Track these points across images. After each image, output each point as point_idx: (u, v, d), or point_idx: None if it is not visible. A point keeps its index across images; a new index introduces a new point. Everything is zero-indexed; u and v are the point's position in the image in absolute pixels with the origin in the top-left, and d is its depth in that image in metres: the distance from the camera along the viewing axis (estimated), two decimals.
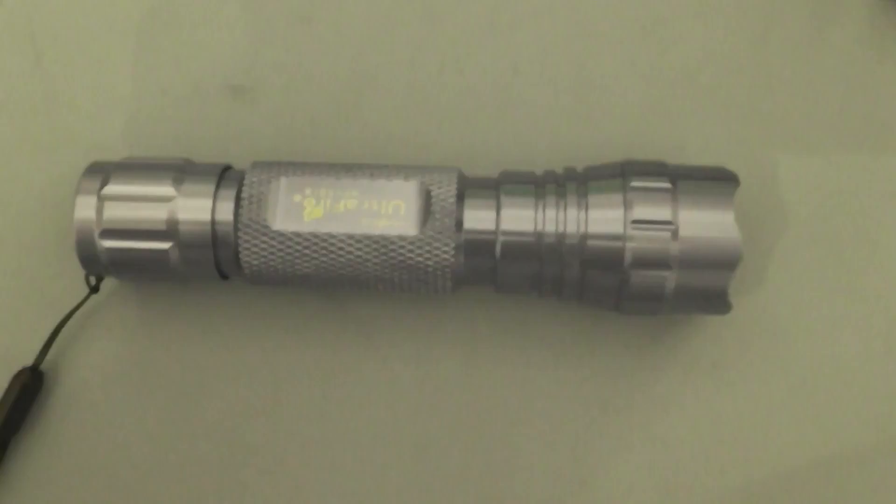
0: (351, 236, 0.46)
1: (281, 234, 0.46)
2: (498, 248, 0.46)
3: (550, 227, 0.46)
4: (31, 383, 0.52)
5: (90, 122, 0.54)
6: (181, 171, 0.48)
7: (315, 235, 0.46)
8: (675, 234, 0.45)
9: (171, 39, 0.54)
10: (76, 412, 0.52)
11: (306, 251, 0.46)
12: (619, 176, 0.46)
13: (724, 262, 0.45)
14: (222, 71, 0.54)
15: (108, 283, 0.52)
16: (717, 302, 0.46)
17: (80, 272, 0.51)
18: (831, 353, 0.51)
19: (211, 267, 0.48)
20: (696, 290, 0.46)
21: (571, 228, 0.46)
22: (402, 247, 0.46)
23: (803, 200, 0.51)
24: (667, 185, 0.46)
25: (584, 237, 0.45)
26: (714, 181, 0.46)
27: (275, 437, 0.52)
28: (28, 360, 0.52)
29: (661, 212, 0.45)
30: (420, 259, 0.46)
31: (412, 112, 0.53)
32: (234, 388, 0.52)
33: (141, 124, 0.54)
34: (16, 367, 0.52)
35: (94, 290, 0.51)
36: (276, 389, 0.52)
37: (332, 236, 0.46)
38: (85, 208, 0.47)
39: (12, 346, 0.52)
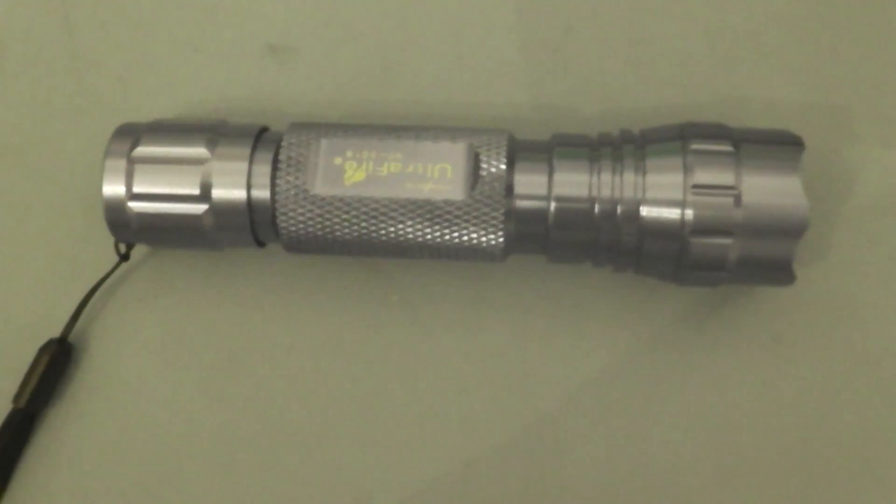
0: (395, 201, 0.43)
1: (321, 198, 0.44)
2: (550, 215, 0.44)
3: (606, 193, 0.43)
4: (59, 355, 0.49)
5: (119, 82, 0.52)
6: (215, 133, 0.45)
7: (357, 200, 0.44)
8: (737, 199, 0.42)
9: None
10: (105, 385, 0.50)
11: (347, 216, 0.44)
12: (679, 139, 0.44)
13: (789, 230, 0.42)
14: (259, 28, 0.51)
15: (139, 252, 0.51)
16: (780, 272, 0.44)
17: (109, 240, 0.48)
18: None
19: (247, 233, 0.45)
20: (760, 259, 0.43)
21: (628, 193, 0.43)
22: (448, 212, 0.43)
23: (870, 166, 0.48)
24: (729, 148, 0.43)
25: (642, 203, 0.43)
26: (779, 145, 0.44)
27: (313, 412, 0.49)
28: (56, 332, 0.50)
29: (724, 176, 0.42)
30: (468, 225, 0.43)
31: (459, 73, 0.50)
32: (270, 361, 0.50)
33: (172, 84, 0.52)
34: (43, 339, 0.50)
35: (124, 258, 0.49)
36: (314, 362, 0.50)
37: (375, 201, 0.44)
38: (114, 172, 0.45)
39: (40, 316, 0.50)
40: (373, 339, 0.50)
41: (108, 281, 0.50)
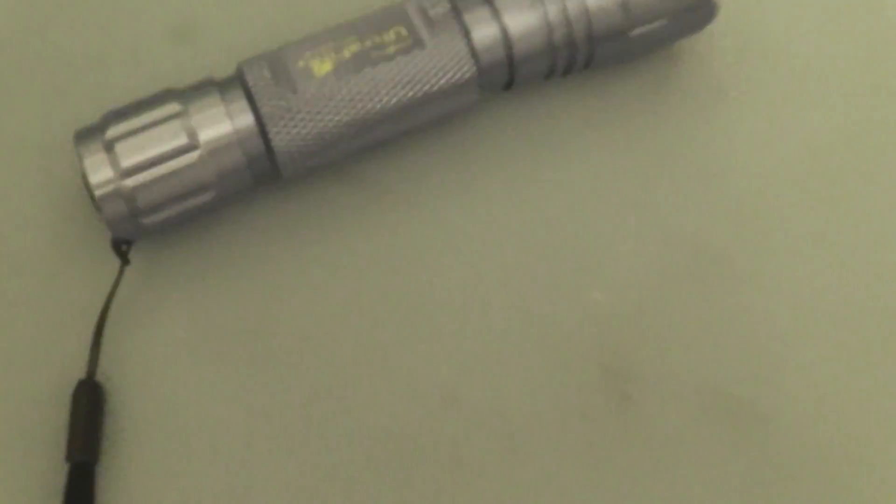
0: (370, 70, 0.46)
1: (301, 99, 0.45)
2: (511, 46, 0.47)
3: (553, 15, 0.48)
4: (95, 395, 0.46)
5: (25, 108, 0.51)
6: (175, 92, 0.46)
7: (335, 84, 0.45)
8: None
9: None
10: (150, 422, 0.47)
11: (332, 105, 0.45)
12: None
13: None
14: (159, 16, 0.53)
15: (141, 260, 0.49)
16: (706, 8, 0.49)
17: (104, 264, 0.47)
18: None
19: (244, 171, 0.46)
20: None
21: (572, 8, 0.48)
22: (419, 60, 0.46)
23: None
24: None
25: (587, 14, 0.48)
26: None
27: (371, 335, 0.49)
28: (76, 371, 0.47)
29: None
30: (441, 66, 0.46)
31: None
32: (308, 313, 0.49)
33: (81, 95, 0.51)
34: (64, 382, 0.46)
35: (125, 259, 0.47)
36: (348, 294, 0.49)
37: (352, 78, 0.45)
38: (96, 163, 0.44)
39: (53, 359, 0.47)
40: (389, 248, 0.50)
41: (121, 302, 0.48)
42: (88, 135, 0.45)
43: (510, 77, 0.49)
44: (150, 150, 0.44)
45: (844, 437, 0.48)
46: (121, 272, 0.47)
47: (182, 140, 0.45)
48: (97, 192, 0.44)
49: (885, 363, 0.50)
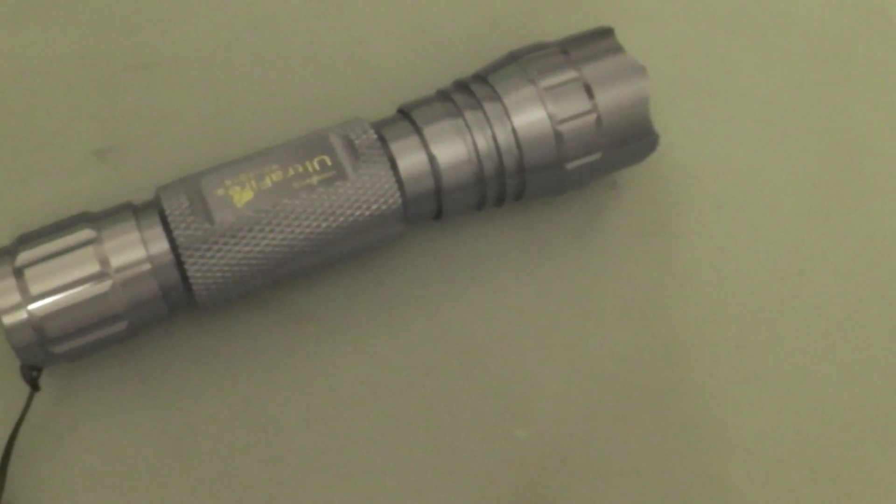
0: (291, 201, 0.44)
1: (219, 229, 0.44)
2: (437, 167, 0.46)
3: (477, 129, 0.46)
4: None
5: None
6: (90, 217, 0.45)
7: (255, 213, 0.44)
8: (588, 89, 0.47)
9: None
10: None
11: (251, 236, 0.44)
12: (529, 83, 0.47)
13: (638, 97, 0.47)
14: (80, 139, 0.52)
15: (53, 385, 0.48)
16: (646, 140, 0.48)
17: (14, 389, 0.46)
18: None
19: (158, 300, 0.44)
20: (624, 128, 0.47)
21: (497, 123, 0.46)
22: (343, 191, 0.45)
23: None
24: (556, 49, 0.48)
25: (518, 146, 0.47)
26: (596, 39, 0.49)
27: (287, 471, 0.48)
28: None
29: (575, 98, 0.47)
30: (366, 198, 0.45)
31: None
32: (223, 440, 0.48)
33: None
34: None
35: (35, 386, 0.45)
36: (263, 424, 0.48)
37: (272, 207, 0.44)
38: (5, 292, 0.43)
39: None
40: (308, 378, 0.49)
41: (29, 431, 0.47)
42: None
43: (438, 208, 0.47)
44: (60, 277, 0.43)
45: None
46: (30, 398, 0.46)
47: (94, 268, 0.43)
48: (4, 319, 0.43)
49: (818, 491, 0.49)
